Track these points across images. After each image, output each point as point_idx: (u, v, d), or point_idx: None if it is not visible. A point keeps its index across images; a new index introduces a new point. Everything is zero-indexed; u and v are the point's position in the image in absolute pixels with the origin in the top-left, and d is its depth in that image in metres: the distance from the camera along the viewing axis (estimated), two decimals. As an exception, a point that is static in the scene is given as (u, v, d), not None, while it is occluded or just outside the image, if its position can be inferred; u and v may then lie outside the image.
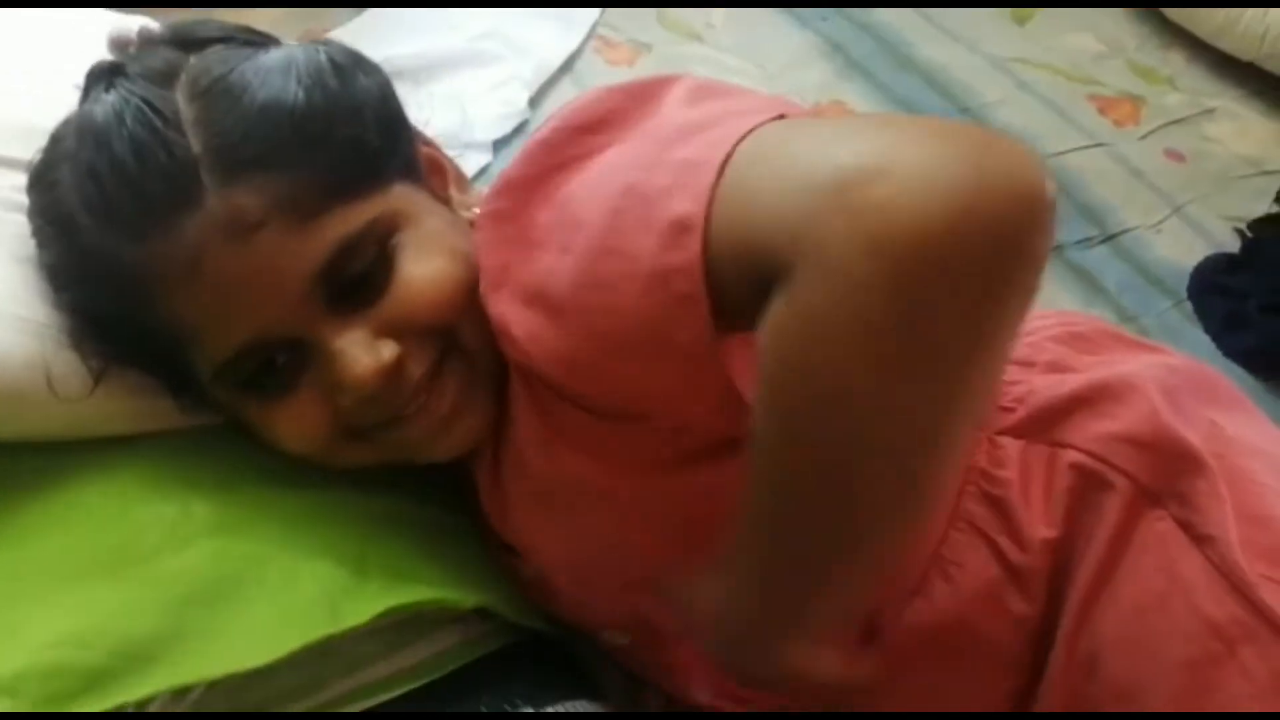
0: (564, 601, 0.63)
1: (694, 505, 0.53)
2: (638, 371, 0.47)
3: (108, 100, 0.50)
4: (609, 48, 1.44)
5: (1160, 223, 1.22)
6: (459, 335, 0.53)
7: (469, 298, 0.52)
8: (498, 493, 0.58)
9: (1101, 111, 1.37)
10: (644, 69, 1.41)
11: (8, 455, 0.52)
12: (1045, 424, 0.55)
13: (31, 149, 0.55)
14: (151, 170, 0.48)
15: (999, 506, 0.54)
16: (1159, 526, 0.52)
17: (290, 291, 0.50)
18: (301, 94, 0.51)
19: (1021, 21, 1.51)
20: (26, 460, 0.52)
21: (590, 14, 1.46)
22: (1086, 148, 1.30)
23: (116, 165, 0.49)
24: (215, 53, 0.53)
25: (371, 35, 1.42)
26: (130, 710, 0.46)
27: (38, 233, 0.54)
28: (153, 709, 0.46)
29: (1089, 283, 1.17)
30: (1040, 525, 0.53)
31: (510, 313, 0.49)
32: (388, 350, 0.51)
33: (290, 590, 0.51)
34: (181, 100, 0.50)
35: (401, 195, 0.53)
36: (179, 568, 0.49)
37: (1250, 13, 1.32)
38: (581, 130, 0.50)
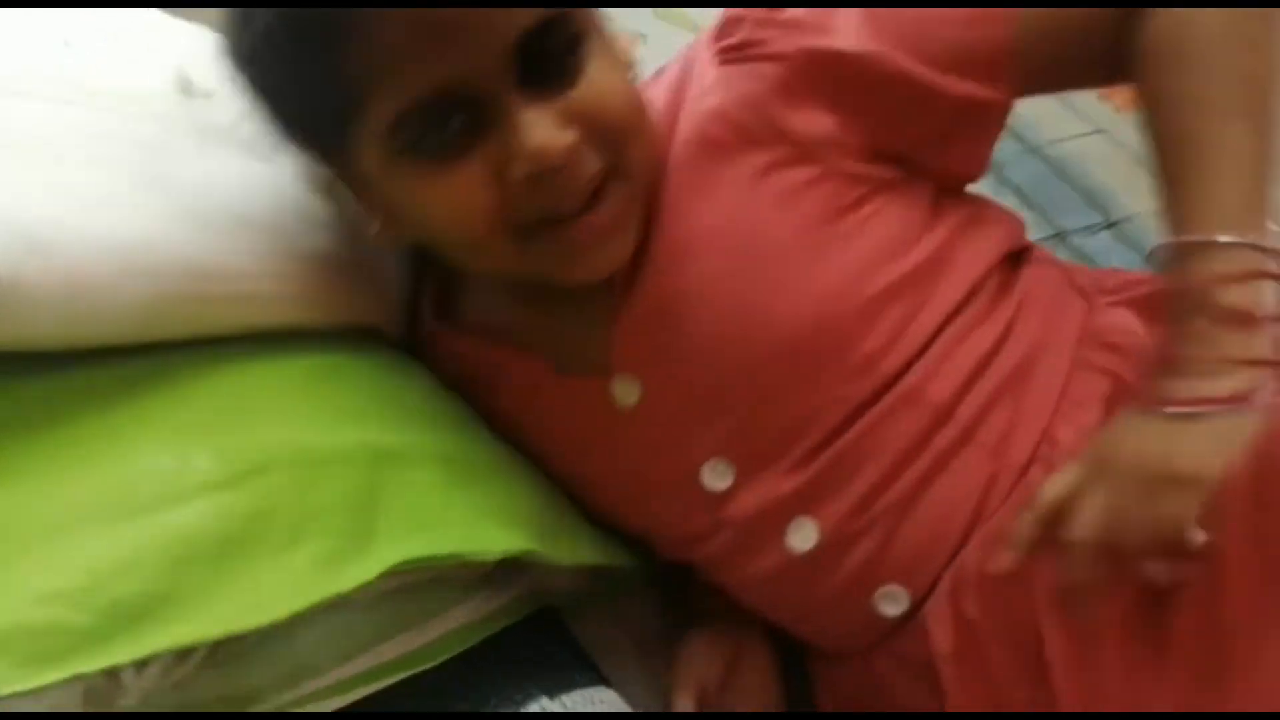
0: (659, 443, 0.63)
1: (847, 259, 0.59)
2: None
3: None
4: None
5: (1156, 210, 1.21)
6: (627, 153, 0.55)
7: (642, 120, 0.57)
8: (635, 311, 0.60)
9: (1102, 97, 1.36)
10: (641, 58, 1.39)
11: (14, 378, 0.50)
12: None
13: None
14: None
15: None
16: None
17: (494, 45, 0.50)
18: None
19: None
20: (33, 388, 0.50)
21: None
22: (1088, 134, 1.29)
23: None
24: None
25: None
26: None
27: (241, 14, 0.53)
28: (152, 671, 0.44)
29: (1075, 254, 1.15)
30: None
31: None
32: (569, 134, 0.52)
33: (294, 548, 0.48)
34: None
35: (586, 13, 0.55)
36: (177, 524, 0.47)
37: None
38: None
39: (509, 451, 0.66)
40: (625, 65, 0.58)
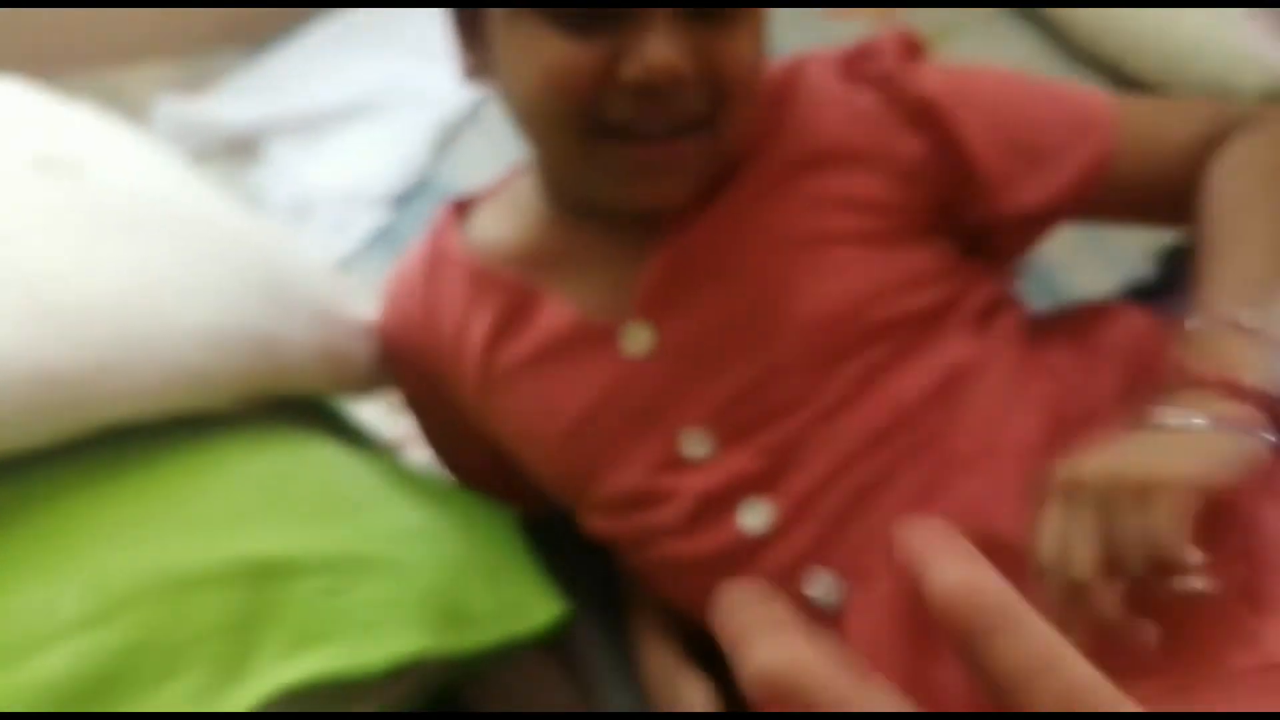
0: (653, 400, 0.64)
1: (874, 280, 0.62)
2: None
3: None
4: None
5: (1074, 254, 1.24)
6: (726, 113, 0.58)
7: (755, 95, 0.60)
8: (672, 258, 0.63)
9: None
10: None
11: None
12: None
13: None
14: None
15: None
16: None
17: None
18: None
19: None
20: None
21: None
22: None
23: None
24: None
25: (266, 88, 1.40)
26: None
27: None
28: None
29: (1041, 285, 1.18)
30: None
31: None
32: (690, 66, 0.55)
33: (167, 683, 0.47)
34: None
35: None
36: (45, 671, 0.46)
37: (1149, 36, 1.36)
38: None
39: (421, 506, 0.66)
40: (765, 41, 0.61)
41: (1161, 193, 0.66)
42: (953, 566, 0.21)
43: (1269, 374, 0.54)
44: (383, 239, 1.23)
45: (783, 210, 0.63)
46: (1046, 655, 0.20)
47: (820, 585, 0.62)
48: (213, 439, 0.60)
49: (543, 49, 0.56)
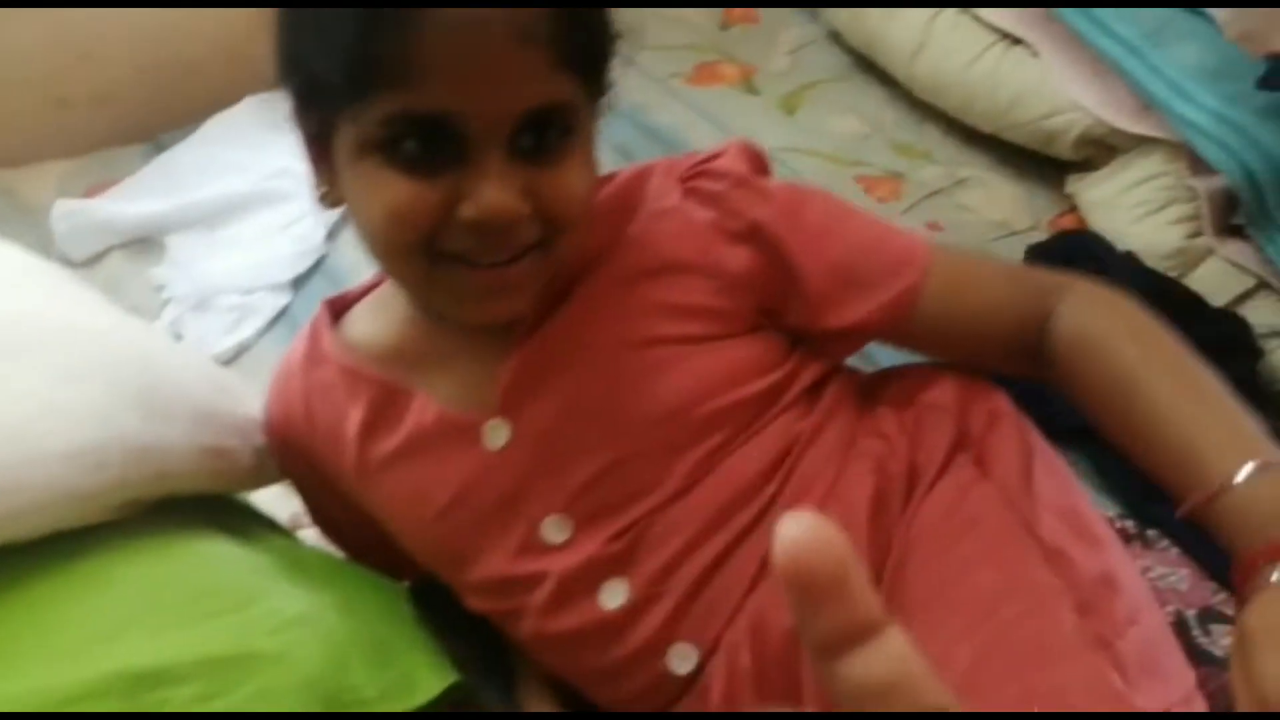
0: (514, 489, 0.69)
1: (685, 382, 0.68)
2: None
3: None
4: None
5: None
6: (560, 237, 0.63)
7: (586, 220, 0.64)
8: (525, 360, 0.68)
9: (868, 190, 1.48)
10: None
11: None
12: None
13: None
14: None
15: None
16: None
17: (511, 106, 0.57)
18: None
19: (791, 111, 1.63)
20: None
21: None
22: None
23: None
24: None
25: (163, 183, 1.43)
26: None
27: None
28: None
29: (864, 358, 1.25)
30: None
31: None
32: (524, 207, 0.59)
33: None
34: None
35: (588, 111, 0.63)
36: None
37: (982, 90, 1.46)
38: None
39: (307, 592, 0.68)
40: (595, 171, 0.66)
41: (972, 338, 0.72)
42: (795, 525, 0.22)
43: None
44: (282, 321, 1.28)
45: (621, 316, 0.69)
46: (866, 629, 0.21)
47: (681, 658, 0.68)
48: (91, 550, 0.62)
49: (385, 188, 0.59)
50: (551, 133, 0.60)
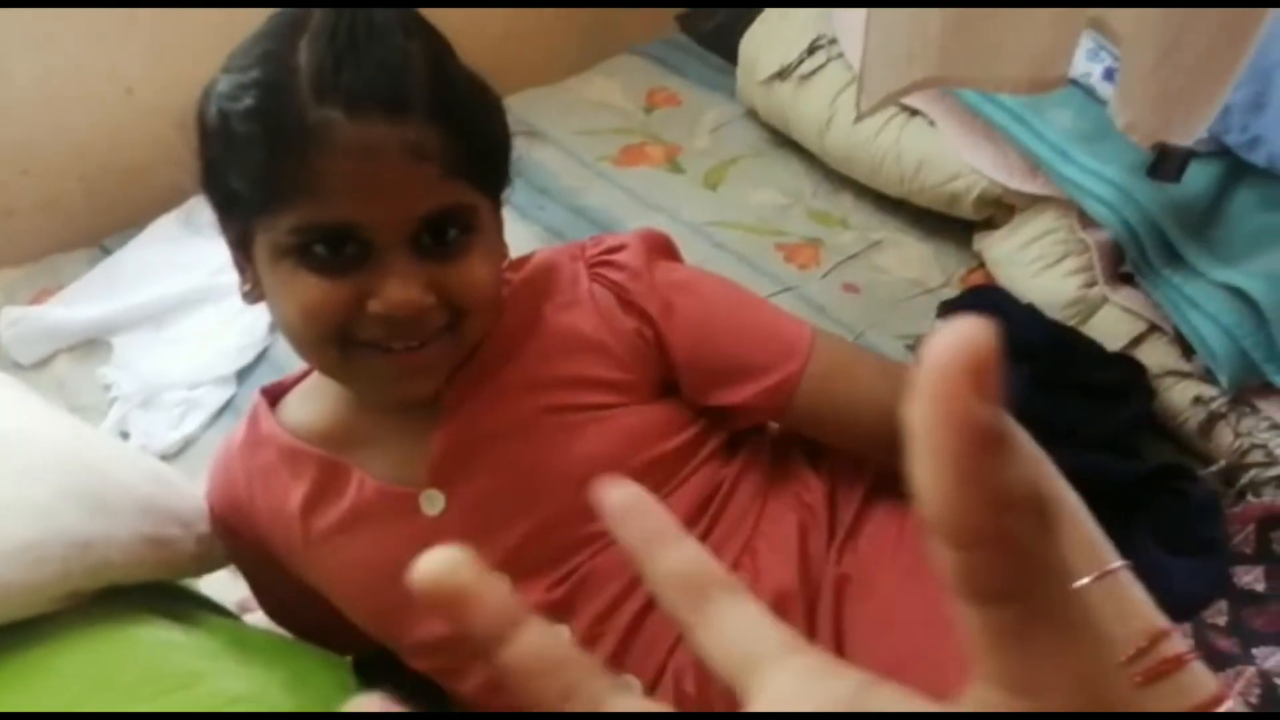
0: (452, 539, 0.71)
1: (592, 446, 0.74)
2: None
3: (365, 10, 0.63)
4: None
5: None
6: (466, 323, 0.69)
7: (492, 306, 0.71)
8: (452, 435, 0.74)
9: (788, 258, 1.56)
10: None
11: None
12: None
13: None
14: (387, 64, 0.62)
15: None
16: None
17: (408, 214, 0.64)
18: (498, 106, 0.71)
19: (714, 187, 1.71)
20: None
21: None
22: (778, 293, 1.47)
23: (358, 46, 0.62)
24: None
25: (108, 286, 1.48)
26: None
27: (240, 78, 0.63)
28: None
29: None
30: None
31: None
32: (429, 299, 0.65)
33: None
34: (420, 43, 0.64)
35: (493, 209, 0.71)
36: None
37: (888, 159, 1.55)
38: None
39: (251, 672, 0.72)
40: (500, 258, 0.73)
41: (846, 426, 0.78)
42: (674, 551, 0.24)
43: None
44: (227, 413, 1.32)
45: (539, 388, 0.75)
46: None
47: None
48: (37, 640, 0.66)
49: (299, 287, 0.65)
50: (451, 231, 0.66)
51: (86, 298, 1.44)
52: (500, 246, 0.74)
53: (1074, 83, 1.30)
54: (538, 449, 0.74)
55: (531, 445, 0.74)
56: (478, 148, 0.67)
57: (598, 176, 1.71)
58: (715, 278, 0.82)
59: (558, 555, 0.74)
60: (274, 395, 0.83)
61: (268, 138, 0.62)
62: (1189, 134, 1.04)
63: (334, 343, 0.67)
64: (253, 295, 0.72)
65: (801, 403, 0.77)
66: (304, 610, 0.85)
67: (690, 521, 0.75)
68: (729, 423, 0.80)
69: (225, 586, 0.95)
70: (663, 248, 0.82)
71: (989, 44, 1.08)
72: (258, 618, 0.94)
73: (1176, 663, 0.57)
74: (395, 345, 0.67)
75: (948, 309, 1.40)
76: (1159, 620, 0.63)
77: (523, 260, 0.82)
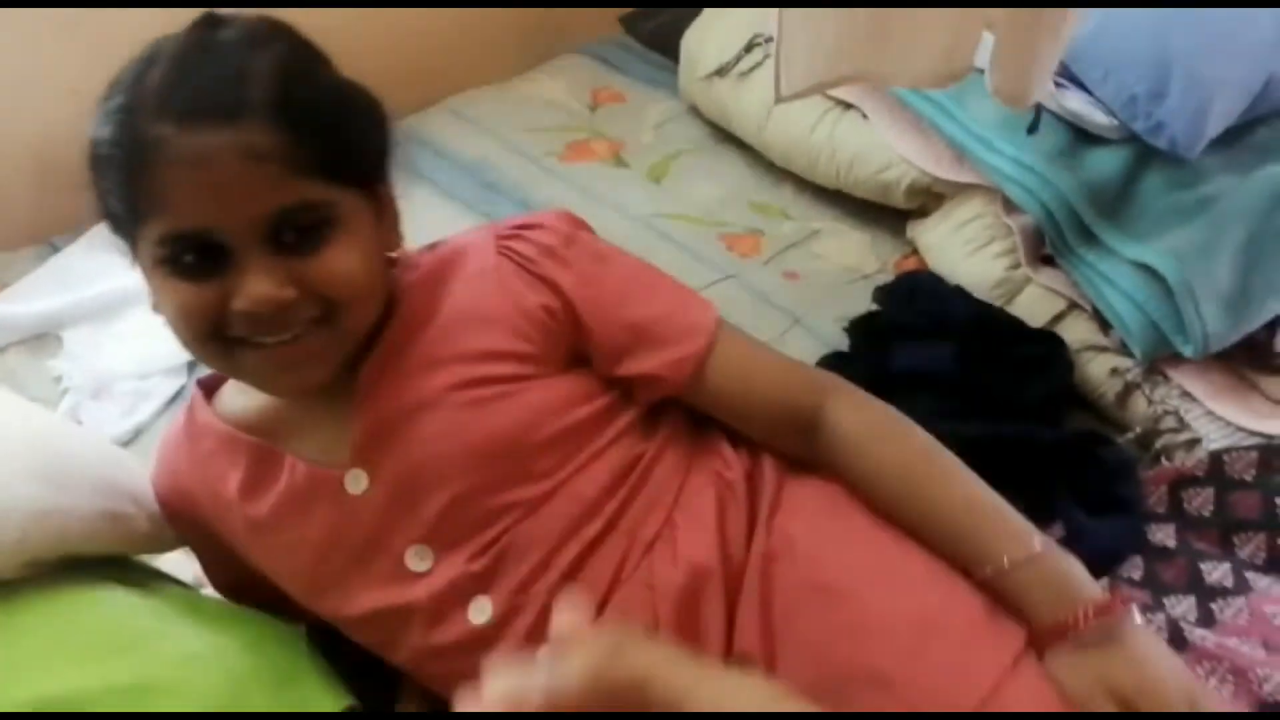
0: (378, 527, 0.77)
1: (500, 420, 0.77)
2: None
3: (215, 29, 0.70)
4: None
5: (784, 333, 1.44)
6: (338, 314, 0.72)
7: (366, 294, 0.74)
8: (370, 416, 0.77)
9: (730, 247, 1.60)
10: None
11: None
12: None
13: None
14: (221, 76, 0.67)
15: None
16: None
17: (255, 213, 0.67)
18: (369, 107, 0.75)
19: (658, 180, 1.75)
20: None
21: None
22: (720, 281, 1.51)
23: (195, 64, 0.68)
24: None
25: (57, 282, 1.49)
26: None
27: (105, 105, 0.68)
28: None
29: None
30: None
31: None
32: (287, 293, 0.69)
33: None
34: (268, 53, 0.69)
35: (354, 201, 0.73)
36: None
37: (824, 152, 1.60)
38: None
39: (209, 633, 0.75)
40: (375, 248, 0.75)
41: (748, 412, 0.83)
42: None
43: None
44: (178, 401, 1.34)
45: (449, 364, 0.78)
46: None
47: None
48: (3, 600, 0.69)
49: (173, 293, 0.70)
50: (305, 227, 0.69)
51: (36, 294, 1.45)
52: (382, 236, 0.77)
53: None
54: (449, 424, 0.76)
55: (442, 421, 0.76)
56: (334, 146, 0.70)
57: (545, 172, 1.75)
58: (632, 256, 0.86)
59: (476, 526, 0.76)
60: (210, 387, 0.87)
61: (122, 158, 0.67)
62: (1041, 94, 1.20)
63: (211, 341, 0.71)
64: (157, 308, 0.76)
65: (708, 379, 0.81)
66: (255, 590, 0.88)
67: (608, 492, 0.78)
68: (640, 393, 0.84)
69: (180, 566, 0.98)
70: (581, 225, 0.87)
71: (902, 43, 1.17)
72: (212, 594, 0.96)
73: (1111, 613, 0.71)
74: (267, 340, 0.71)
75: (884, 292, 1.46)
76: (1091, 590, 0.73)
77: (429, 246, 0.86)
